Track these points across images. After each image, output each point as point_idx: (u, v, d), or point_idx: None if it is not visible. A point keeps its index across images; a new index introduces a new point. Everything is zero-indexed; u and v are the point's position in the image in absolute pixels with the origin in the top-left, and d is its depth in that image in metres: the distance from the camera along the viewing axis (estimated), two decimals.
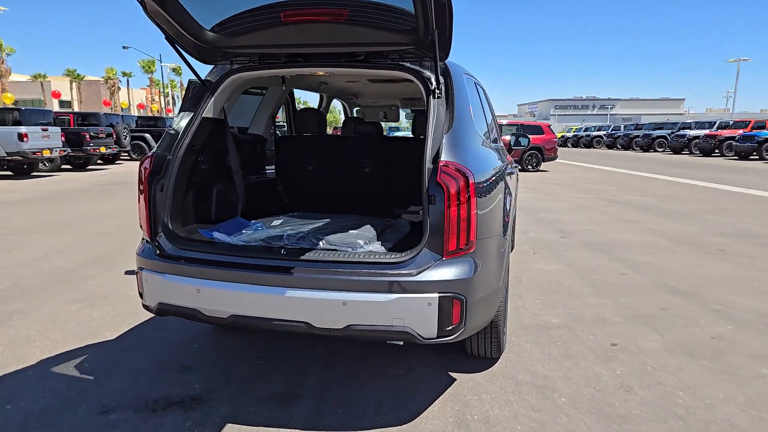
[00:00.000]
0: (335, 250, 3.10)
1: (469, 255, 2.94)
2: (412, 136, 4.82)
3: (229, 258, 3.11)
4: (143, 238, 3.51)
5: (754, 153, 27.90)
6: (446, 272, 2.86)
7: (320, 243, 3.16)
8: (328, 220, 3.67)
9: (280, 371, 3.76)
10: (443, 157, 2.91)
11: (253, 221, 3.82)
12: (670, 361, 3.97)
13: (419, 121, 4.48)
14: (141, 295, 3.38)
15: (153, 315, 3.88)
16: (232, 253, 3.14)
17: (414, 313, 2.82)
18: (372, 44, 3.22)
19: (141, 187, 3.39)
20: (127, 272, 6.26)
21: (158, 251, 3.28)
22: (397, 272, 2.86)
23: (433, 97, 3.17)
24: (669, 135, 35.28)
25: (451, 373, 3.75)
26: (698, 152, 32.24)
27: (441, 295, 2.81)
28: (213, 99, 3.64)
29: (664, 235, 8.56)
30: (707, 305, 5.21)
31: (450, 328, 2.86)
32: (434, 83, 3.21)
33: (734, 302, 5.29)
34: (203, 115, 3.59)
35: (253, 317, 3.00)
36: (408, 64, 3.33)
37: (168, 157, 3.42)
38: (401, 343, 3.01)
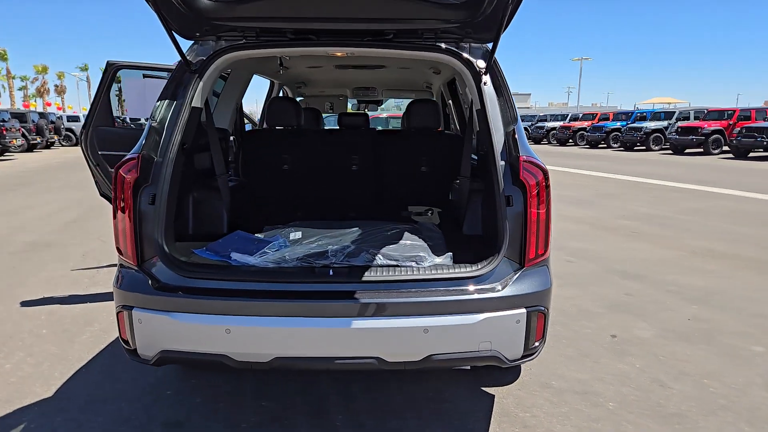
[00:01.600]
0: (397, 266, 2.59)
1: (545, 261, 2.64)
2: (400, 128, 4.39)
3: (264, 285, 2.46)
4: (121, 265, 2.68)
5: (602, 142, 31.51)
6: (530, 283, 2.54)
7: (377, 258, 2.63)
8: (356, 228, 3.12)
9: (295, 413, 3.14)
10: (521, 152, 2.55)
11: (261, 235, 3.12)
12: (673, 348, 4.05)
13: (425, 112, 4.04)
14: (126, 342, 2.57)
15: (91, 357, 3.01)
16: (266, 278, 2.50)
17: (502, 334, 2.45)
18: (405, 20, 2.73)
19: (120, 200, 2.56)
20: (25, 303, 5.03)
21: (155, 282, 2.51)
22: (480, 287, 2.46)
23: (483, 84, 2.79)
24: (530, 127, 38.27)
25: (483, 389, 3.43)
26: (555, 142, 35.40)
27: (528, 310, 2.47)
28: (201, 84, 2.89)
29: (578, 221, 9.07)
30: (661, 287, 5.52)
31: (534, 345, 2.55)
32: (483, 68, 2.83)
33: (680, 282, 5.71)
34: (192, 104, 2.83)
35: (306, 358, 2.40)
36: (445, 45, 2.90)
37: (156, 160, 2.63)
38: (468, 367, 2.62)
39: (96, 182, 5.10)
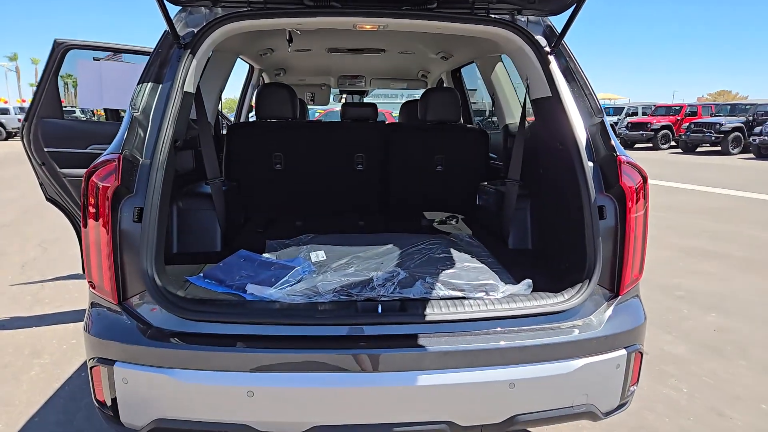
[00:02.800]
0: (463, 297, 2.05)
1: (636, 287, 2.18)
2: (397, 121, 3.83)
3: (295, 330, 1.87)
4: (94, 303, 2.02)
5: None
6: (628, 316, 2.09)
7: (437, 288, 2.07)
8: (390, 245, 2.54)
9: None
10: (618, 151, 2.07)
11: (271, 255, 2.49)
12: (712, 366, 3.72)
13: (444, 102, 3.49)
14: (104, 405, 1.92)
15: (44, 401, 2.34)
16: (296, 319, 1.90)
17: (600, 383, 1.98)
18: None
19: (94, 217, 1.90)
20: None
21: (145, 327, 1.87)
22: (573, 325, 1.96)
23: (550, 65, 2.29)
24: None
25: None
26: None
27: (628, 350, 2.00)
28: (195, 63, 2.24)
29: None
30: (669, 292, 5.25)
31: (630, 391, 2.08)
32: (549, 46, 2.32)
33: (685, 286, 5.49)
34: (185, 89, 2.18)
35: (354, 426, 1.83)
36: (501, 18, 2.37)
37: (142, 162, 1.98)
38: None
39: (41, 184, 4.26)
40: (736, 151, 22.26)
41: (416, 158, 3.62)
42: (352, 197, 3.68)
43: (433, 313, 1.93)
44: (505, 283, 2.16)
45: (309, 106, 9.49)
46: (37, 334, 4.19)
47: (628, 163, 2.05)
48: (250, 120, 4.84)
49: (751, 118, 22.66)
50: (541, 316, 1.98)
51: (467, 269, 2.22)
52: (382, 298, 2.03)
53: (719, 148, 22.57)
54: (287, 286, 2.09)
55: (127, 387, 1.84)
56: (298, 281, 2.14)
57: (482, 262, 2.39)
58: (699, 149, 24.11)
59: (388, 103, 16.66)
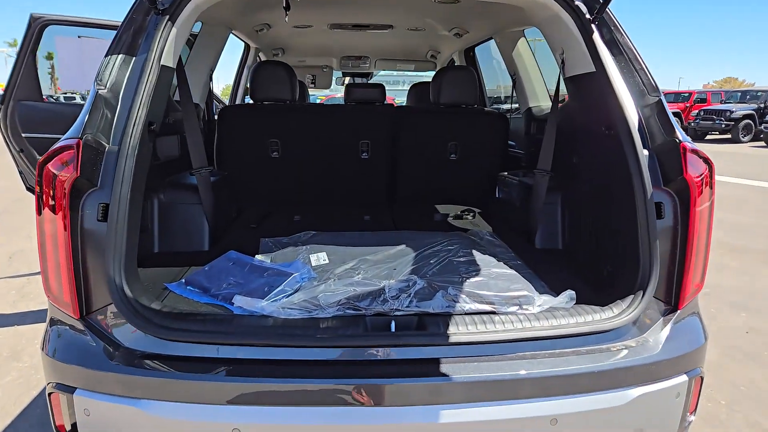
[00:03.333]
0: (493, 312, 1.72)
1: (695, 299, 1.85)
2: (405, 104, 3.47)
3: (292, 353, 1.56)
4: (53, 320, 1.71)
5: None
6: (688, 335, 1.78)
7: (461, 300, 1.74)
8: (402, 246, 2.20)
9: None
10: (681, 137, 1.73)
11: (264, 258, 2.16)
12: (750, 374, 3.41)
13: (460, 83, 3.14)
14: None
15: (20, 410, 2.03)
16: (294, 340, 1.58)
17: (657, 415, 1.68)
18: None
19: (50, 213, 1.58)
20: None
21: (111, 348, 1.57)
22: (624, 346, 1.64)
23: (593, 35, 1.95)
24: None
25: None
26: None
27: (689, 375, 1.69)
28: (174, 32, 1.90)
29: None
30: None
31: (689, 422, 1.77)
32: (591, 13, 1.97)
33: (709, 281, 5.08)
34: (162, 62, 1.85)
35: None
36: None
37: (108, 149, 1.65)
38: None
39: (20, 173, 3.93)
40: (746, 139, 21.73)
41: (428, 145, 3.28)
42: (356, 188, 3.35)
43: (457, 332, 1.60)
44: (540, 293, 1.83)
45: (310, 93, 9.14)
46: (19, 334, 3.88)
47: (693, 151, 1.71)
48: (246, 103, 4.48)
49: (762, 105, 22.11)
50: (588, 336, 1.66)
51: (495, 276, 1.89)
52: (396, 313, 1.70)
53: (729, 136, 22.05)
54: (282, 297, 1.77)
55: (89, 420, 1.54)
56: (296, 291, 1.82)
57: (510, 267, 2.06)
58: (708, 137, 23.64)
59: (392, 90, 16.18)
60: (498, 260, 2.12)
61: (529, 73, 3.21)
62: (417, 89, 4.51)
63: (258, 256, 2.18)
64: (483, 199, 3.34)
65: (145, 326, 1.58)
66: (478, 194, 3.36)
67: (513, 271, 1.97)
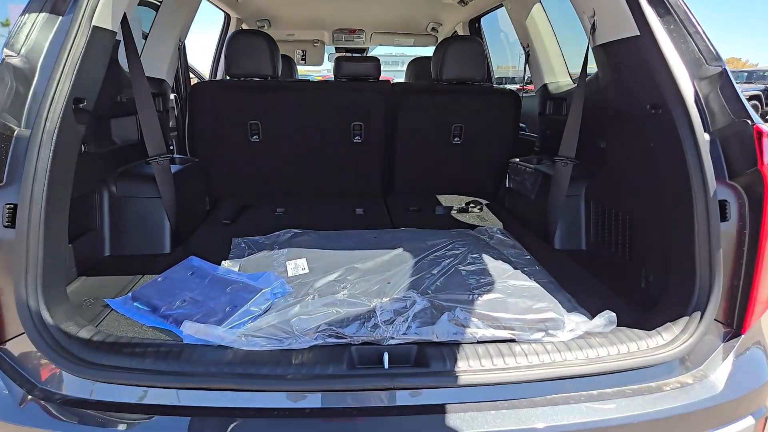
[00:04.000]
0: (513, 340, 1.36)
1: (758, 323, 1.50)
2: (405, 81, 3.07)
3: (257, 399, 1.21)
4: None
5: None
6: (754, 366, 1.42)
7: (471, 324, 1.37)
8: (400, 250, 1.82)
9: None
10: (753, 118, 1.37)
11: (231, 264, 1.78)
12: None
13: (465, 56, 2.74)
14: None
15: None
16: (258, 383, 1.23)
17: None
18: None
19: None
20: None
21: (25, 387, 1.22)
22: (678, 382, 1.30)
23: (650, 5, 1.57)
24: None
25: None
26: None
27: (755, 417, 1.35)
28: None
29: None
30: None
31: None
32: None
33: None
34: (95, 23, 1.46)
35: None
36: None
37: (17, 133, 1.28)
38: None
39: None
40: None
41: (429, 127, 2.88)
42: (347, 177, 2.96)
43: (469, 369, 1.24)
44: (568, 312, 1.46)
45: (305, 72, 8.62)
46: None
47: None
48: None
49: None
50: (633, 372, 1.30)
51: (513, 291, 1.52)
52: (390, 342, 1.33)
53: None
54: (248, 320, 1.40)
55: None
56: (265, 311, 1.45)
57: (528, 275, 1.69)
58: None
59: (390, 71, 15.51)
60: (515, 267, 1.74)
61: (545, 44, 2.80)
62: (416, 65, 4.08)
63: (225, 263, 1.80)
64: (491, 190, 2.96)
65: (65, 362, 1.22)
66: (486, 184, 2.98)
67: (534, 283, 1.60)
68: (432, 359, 1.28)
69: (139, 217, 2.05)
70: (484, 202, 2.80)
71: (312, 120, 2.83)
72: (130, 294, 1.63)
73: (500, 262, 1.78)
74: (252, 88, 2.77)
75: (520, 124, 3.16)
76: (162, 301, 1.54)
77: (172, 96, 3.48)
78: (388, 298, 1.46)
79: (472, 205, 2.72)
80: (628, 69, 1.70)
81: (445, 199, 2.88)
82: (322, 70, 9.43)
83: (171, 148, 2.79)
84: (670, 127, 1.46)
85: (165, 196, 2.03)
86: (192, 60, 4.21)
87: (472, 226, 2.35)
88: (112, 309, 1.56)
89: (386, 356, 1.28)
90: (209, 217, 2.53)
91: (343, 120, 2.85)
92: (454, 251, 1.83)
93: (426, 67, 3.60)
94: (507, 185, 2.74)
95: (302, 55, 5.06)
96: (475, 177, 3.00)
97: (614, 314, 1.41)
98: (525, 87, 3.27)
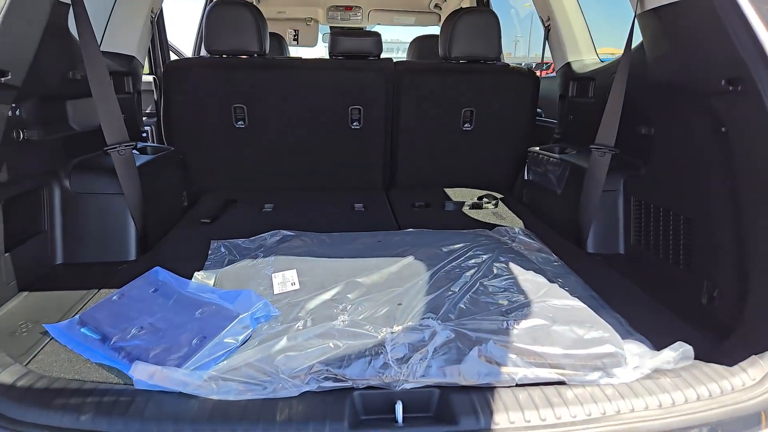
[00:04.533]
0: (562, 382, 1.05)
1: None
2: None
3: None
4: None
5: None
6: None
7: (508, 363, 1.06)
8: (411, 258, 1.51)
9: None
10: None
11: (204, 277, 1.46)
12: None
13: (478, 31, 2.41)
14: None
15: None
16: None
17: None
18: None
19: None
20: None
21: None
22: None
23: None
24: None
25: None
26: None
27: None
28: None
29: None
30: None
31: None
32: None
33: None
34: None
35: None
36: None
37: None
38: None
39: None
40: None
41: (436, 112, 2.56)
42: (345, 167, 2.64)
43: (510, 426, 0.94)
44: (622, 339, 1.16)
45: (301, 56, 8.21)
46: None
47: None
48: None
49: None
50: (719, 424, 1.00)
51: (554, 313, 1.21)
52: (405, 386, 1.03)
53: None
54: (221, 356, 1.08)
55: None
56: (244, 343, 1.13)
57: (566, 289, 1.38)
58: None
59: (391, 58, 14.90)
60: (548, 278, 1.44)
61: (568, 16, 2.48)
62: (420, 43, 3.73)
63: (198, 275, 1.49)
64: (506, 182, 2.65)
65: None
66: (500, 175, 2.66)
67: (578, 303, 1.29)
68: (460, 411, 0.97)
69: (97, 217, 1.73)
70: (499, 196, 2.49)
71: (304, 103, 2.51)
72: (77, 317, 1.31)
73: (532, 273, 1.46)
74: (236, 66, 2.43)
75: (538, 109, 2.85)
76: (115, 328, 1.23)
77: (149, 78, 3.14)
78: (400, 327, 1.15)
79: (485, 199, 2.41)
80: (693, 36, 1.39)
81: (454, 193, 2.56)
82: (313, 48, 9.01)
83: (143, 135, 2.46)
84: (754, 107, 1.16)
85: (128, 192, 1.71)
86: (174, 38, 3.85)
87: (490, 225, 2.04)
88: (52, 337, 1.25)
89: (399, 406, 0.98)
90: (187, 215, 2.20)
91: (339, 103, 2.53)
92: (474, 259, 1.52)
93: (431, 46, 3.27)
94: (525, 177, 2.43)
95: (294, 35, 4.70)
96: (487, 168, 2.68)
97: (690, 347, 1.11)
98: (538, 69, 2.94)
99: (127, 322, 1.24)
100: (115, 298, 1.36)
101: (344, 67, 2.52)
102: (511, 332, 1.13)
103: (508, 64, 2.57)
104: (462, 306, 1.24)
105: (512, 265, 1.51)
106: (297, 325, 1.18)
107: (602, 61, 2.40)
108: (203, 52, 3.69)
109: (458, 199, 2.44)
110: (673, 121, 1.62)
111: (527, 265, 1.55)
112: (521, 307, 1.24)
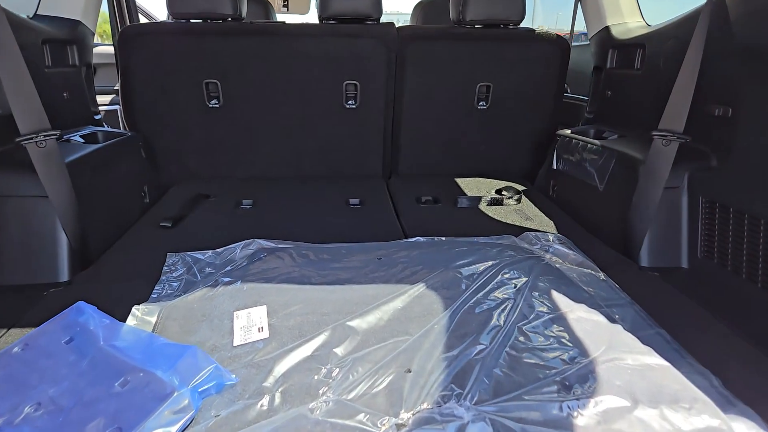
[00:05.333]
0: None
1: None
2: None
3: None
4: None
5: None
6: None
7: None
8: (422, 285, 1.13)
9: None
10: None
11: (133, 324, 1.09)
12: None
13: None
14: None
15: None
16: None
17: None
18: None
19: None
20: None
21: None
22: None
23: None
24: None
25: None
26: None
27: None
28: None
29: None
30: None
31: None
32: None
33: None
34: None
35: None
36: None
37: None
38: None
39: None
40: None
41: (447, 87, 2.15)
42: (337, 155, 2.25)
43: None
44: (724, 413, 0.79)
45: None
46: None
47: None
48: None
49: None
50: None
51: (628, 376, 0.84)
52: None
53: None
54: None
55: None
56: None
57: (625, 326, 1.01)
58: None
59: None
60: (609, 317, 1.06)
61: None
62: (427, 8, 3.27)
63: (137, 311, 1.11)
64: (527, 171, 2.26)
65: None
66: (521, 163, 2.27)
67: (657, 357, 0.92)
68: None
69: (18, 226, 1.35)
70: (520, 188, 2.10)
71: (289, 78, 2.10)
72: None
73: (584, 307, 1.09)
74: (205, 32, 2.01)
75: (566, 92, 2.44)
76: (3, 403, 0.86)
77: (106, 49, 2.72)
78: (410, 414, 0.78)
79: (505, 193, 2.02)
80: None
81: (467, 185, 2.17)
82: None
83: (97, 117, 2.06)
84: None
85: (55, 194, 1.32)
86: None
87: (515, 229, 1.66)
88: None
89: None
90: (146, 215, 1.82)
91: (331, 78, 2.12)
92: (505, 288, 1.14)
93: (440, 11, 2.84)
94: (554, 166, 2.04)
95: (284, 2, 4.23)
96: (505, 153, 2.29)
97: None
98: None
99: (22, 394, 0.87)
100: (16, 350, 0.99)
101: (337, 33, 2.10)
102: (576, 425, 0.76)
103: (533, 29, 2.15)
104: (498, 373, 0.87)
105: (555, 295, 1.13)
106: (260, 404, 0.81)
107: (649, 26, 1.98)
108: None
109: (474, 195, 2.05)
110: (759, 99, 1.22)
111: (574, 291, 1.17)
112: (583, 374, 0.86)
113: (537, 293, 1.13)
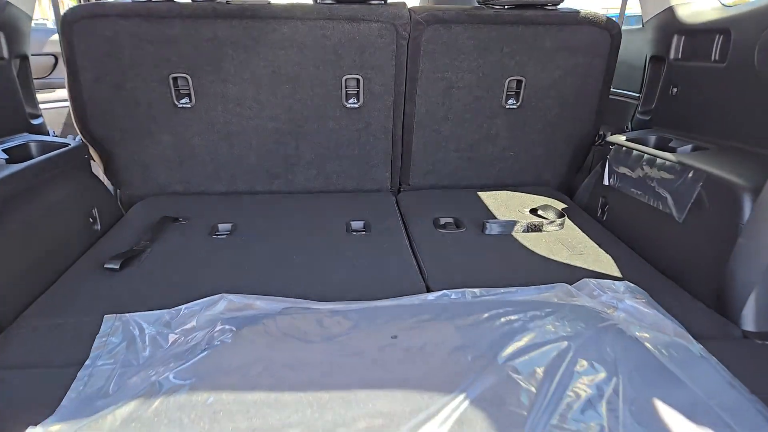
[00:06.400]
0: None
1: None
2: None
3: None
4: None
5: None
6: None
7: None
8: (461, 395, 0.77)
9: None
10: None
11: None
12: None
13: None
14: None
15: None
16: None
17: None
18: None
19: None
20: None
21: None
22: None
23: None
24: None
25: None
26: None
27: None
28: None
29: None
30: None
31: None
32: None
33: None
34: None
35: None
36: None
37: None
38: None
39: None
40: None
41: (469, 83, 1.76)
42: (337, 166, 1.85)
43: None
44: None
45: None
46: None
47: None
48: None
49: None
50: None
51: None
52: None
53: None
54: None
55: None
56: None
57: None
58: None
59: None
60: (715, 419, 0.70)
61: None
62: None
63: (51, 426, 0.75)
64: (565, 183, 1.88)
65: None
66: (556, 173, 1.88)
67: None
68: None
69: None
70: (560, 206, 1.71)
71: (277, 72, 1.70)
72: None
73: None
74: (172, 14, 1.61)
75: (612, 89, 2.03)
76: None
77: (52, 37, 2.30)
78: None
79: (542, 216, 1.63)
80: None
81: (494, 201, 1.78)
82: None
83: (36, 122, 1.66)
84: None
85: None
86: None
87: (565, 272, 1.27)
88: None
89: None
90: (92, 249, 1.43)
91: (329, 71, 1.72)
92: (587, 398, 0.76)
93: None
94: (606, 181, 1.64)
95: None
96: (539, 162, 1.90)
97: None
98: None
99: None
100: None
101: (336, 16, 1.69)
102: None
103: (578, 11, 1.75)
104: None
105: (660, 407, 0.75)
106: None
107: (726, 7, 1.58)
108: None
109: (501, 211, 1.66)
110: None
111: (685, 394, 0.79)
112: None
113: (634, 408, 0.75)
